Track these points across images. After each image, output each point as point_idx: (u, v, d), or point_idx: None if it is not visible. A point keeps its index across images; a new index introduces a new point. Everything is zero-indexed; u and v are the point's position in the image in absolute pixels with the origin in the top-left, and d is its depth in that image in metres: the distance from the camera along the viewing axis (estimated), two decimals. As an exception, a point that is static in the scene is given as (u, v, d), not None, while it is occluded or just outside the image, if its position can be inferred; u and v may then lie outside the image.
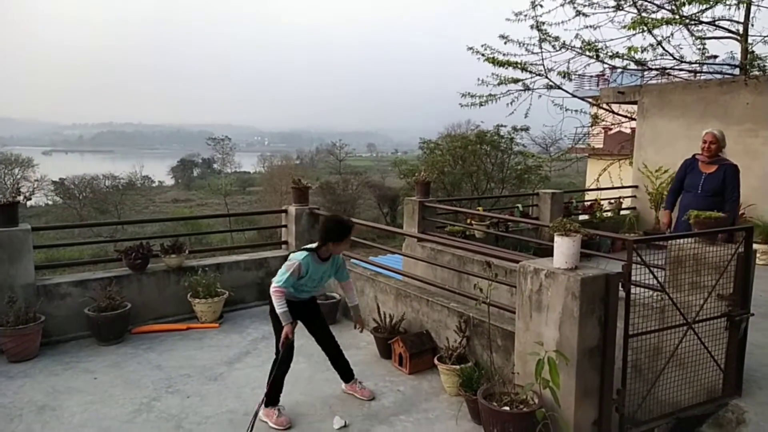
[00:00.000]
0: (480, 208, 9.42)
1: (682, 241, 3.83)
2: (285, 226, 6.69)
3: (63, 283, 5.21)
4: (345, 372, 4.10)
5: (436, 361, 4.21)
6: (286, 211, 6.69)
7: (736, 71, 10.51)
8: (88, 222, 24.37)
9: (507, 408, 3.25)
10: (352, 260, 6.43)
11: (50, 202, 38.27)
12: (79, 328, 5.14)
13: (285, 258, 6.19)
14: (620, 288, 3.22)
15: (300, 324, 3.92)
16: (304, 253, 3.74)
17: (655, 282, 3.52)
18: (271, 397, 3.73)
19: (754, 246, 3.78)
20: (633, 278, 3.27)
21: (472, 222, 8.35)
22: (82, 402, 3.97)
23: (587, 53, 10.87)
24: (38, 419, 3.72)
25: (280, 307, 3.58)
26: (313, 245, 3.81)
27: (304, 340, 5.11)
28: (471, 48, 11.76)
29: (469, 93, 12.48)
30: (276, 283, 3.63)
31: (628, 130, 14.13)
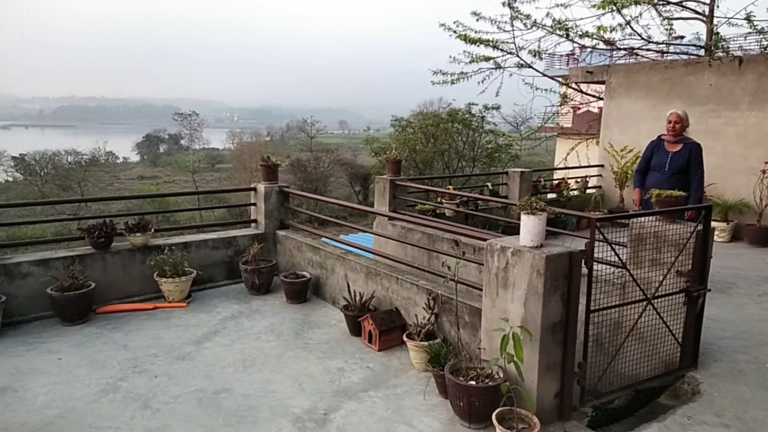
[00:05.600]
0: (451, 187, 9.50)
1: (643, 219, 3.94)
2: (254, 204, 6.62)
3: (24, 262, 5.07)
4: None
5: (405, 338, 4.26)
6: (255, 189, 6.61)
7: (701, 52, 10.73)
8: (51, 200, 23.63)
9: (473, 382, 3.32)
10: (323, 239, 6.42)
11: (10, 179, 36.96)
12: (42, 308, 5.03)
13: (254, 237, 6.23)
14: (583, 265, 3.30)
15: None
16: None
17: (617, 259, 3.61)
18: None
19: (713, 224, 3.91)
20: (596, 255, 3.35)
21: (443, 200, 8.42)
22: (47, 383, 3.90)
23: (558, 32, 10.94)
24: (0, 401, 3.64)
25: None
26: None
27: (274, 318, 5.16)
28: (443, 25, 11.72)
29: (440, 71, 12.46)
30: None
31: (596, 110, 14.34)
